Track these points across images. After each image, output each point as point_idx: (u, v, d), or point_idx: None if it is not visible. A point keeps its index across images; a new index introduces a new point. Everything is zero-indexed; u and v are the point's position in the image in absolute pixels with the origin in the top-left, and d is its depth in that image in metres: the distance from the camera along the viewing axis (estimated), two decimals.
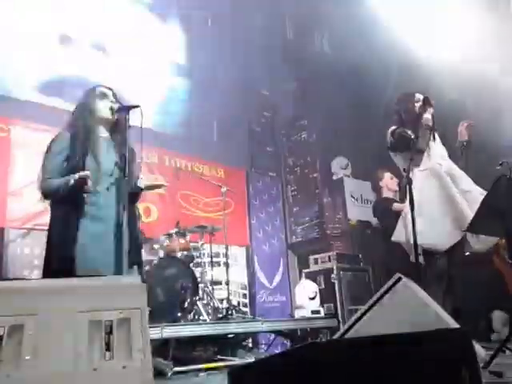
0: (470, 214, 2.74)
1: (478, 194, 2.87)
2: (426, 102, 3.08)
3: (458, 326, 2.01)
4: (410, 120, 3.10)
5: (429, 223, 2.79)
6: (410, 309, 1.97)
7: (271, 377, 1.50)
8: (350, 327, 2.05)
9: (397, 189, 4.54)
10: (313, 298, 5.30)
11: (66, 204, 2.30)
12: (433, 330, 1.48)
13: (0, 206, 4.52)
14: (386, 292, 2.04)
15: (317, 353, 1.33)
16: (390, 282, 2.04)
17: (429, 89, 4.73)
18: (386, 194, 4.57)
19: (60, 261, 2.23)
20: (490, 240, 2.98)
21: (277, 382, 1.45)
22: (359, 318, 2.04)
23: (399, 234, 3.03)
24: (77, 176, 2.23)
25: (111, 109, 2.46)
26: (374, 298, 2.04)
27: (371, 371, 1.29)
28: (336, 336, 2.27)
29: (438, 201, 2.86)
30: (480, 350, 2.04)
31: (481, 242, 2.95)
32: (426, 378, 1.33)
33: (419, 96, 3.18)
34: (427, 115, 3.05)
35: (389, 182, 4.56)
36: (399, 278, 2.04)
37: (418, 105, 3.13)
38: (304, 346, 1.44)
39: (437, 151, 3.08)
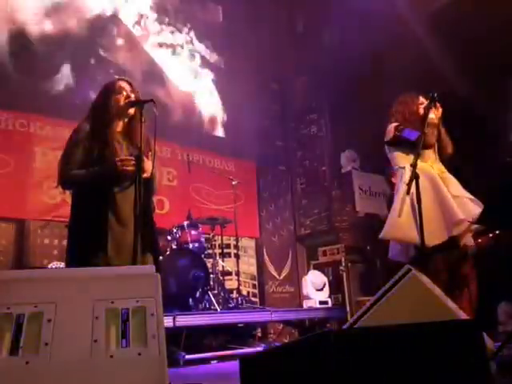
0: (459, 215, 2.78)
1: (466, 199, 2.91)
2: (432, 102, 3.02)
3: (467, 317, 2.03)
4: (414, 121, 3.08)
5: (416, 222, 2.79)
6: (419, 300, 1.97)
7: (283, 364, 1.52)
8: (360, 318, 2.06)
9: None
10: (321, 289, 5.32)
11: (97, 194, 2.34)
12: (443, 321, 1.49)
13: (20, 198, 4.64)
14: (396, 283, 2.05)
15: (329, 341, 1.33)
16: (400, 274, 2.04)
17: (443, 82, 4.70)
18: None
19: (95, 249, 2.27)
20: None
21: (289, 369, 1.47)
22: (368, 309, 2.05)
23: (389, 231, 3.00)
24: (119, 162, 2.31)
25: (127, 103, 2.48)
26: (384, 289, 2.05)
27: (382, 360, 1.31)
28: (345, 326, 2.29)
29: (428, 200, 2.84)
30: (489, 341, 2.05)
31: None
32: (436, 367, 1.35)
33: (423, 99, 3.16)
34: (432, 115, 3.01)
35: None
36: (409, 270, 2.05)
37: (422, 107, 3.12)
38: (316, 334, 1.45)
39: (430, 154, 3.09)
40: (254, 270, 6.51)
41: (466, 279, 2.89)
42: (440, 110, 3.10)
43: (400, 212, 2.87)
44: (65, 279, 1.53)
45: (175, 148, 5.99)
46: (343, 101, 6.16)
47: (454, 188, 2.96)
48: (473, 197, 2.93)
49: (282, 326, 5.03)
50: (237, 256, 5.43)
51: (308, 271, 6.02)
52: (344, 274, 5.45)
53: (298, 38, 7.08)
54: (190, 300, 4.30)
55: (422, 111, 3.08)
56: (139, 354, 1.41)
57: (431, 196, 2.88)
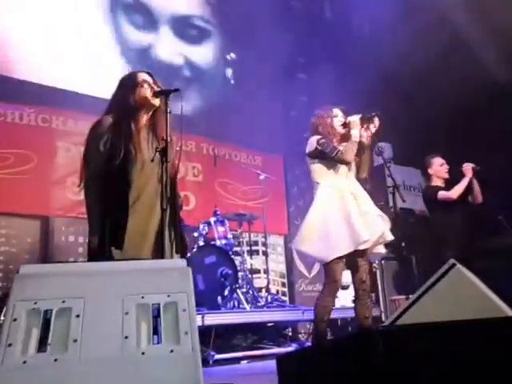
0: (363, 233, 2.81)
1: (376, 215, 2.97)
2: (366, 121, 3.09)
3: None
4: (328, 133, 3.10)
5: (323, 236, 2.89)
6: (465, 296, 1.87)
7: (322, 364, 1.44)
8: (401, 315, 1.96)
9: (447, 176, 4.35)
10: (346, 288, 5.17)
11: (114, 190, 2.26)
12: (494, 318, 1.42)
13: (44, 195, 4.60)
14: (439, 279, 1.95)
15: (372, 340, 1.25)
16: (444, 269, 1.94)
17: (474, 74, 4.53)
18: (435, 181, 4.36)
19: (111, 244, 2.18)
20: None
21: (328, 369, 1.40)
22: (410, 306, 1.96)
23: (298, 242, 3.04)
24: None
25: (151, 93, 2.41)
26: (426, 285, 1.95)
27: (431, 357, 1.21)
28: (385, 324, 2.19)
29: (336, 216, 2.90)
30: None
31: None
32: (486, 366, 1.24)
33: (337, 111, 3.19)
34: (355, 131, 3.03)
35: (438, 168, 4.36)
36: (453, 265, 1.95)
37: (336, 120, 3.15)
38: (357, 333, 1.38)
39: (344, 169, 3.08)
40: (283, 267, 6.38)
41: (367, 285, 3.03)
42: (372, 130, 3.12)
43: (310, 225, 2.96)
44: (93, 273, 1.49)
45: (200, 142, 5.89)
46: (374, 91, 5.99)
47: (365, 205, 2.98)
48: (382, 213, 3.03)
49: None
50: (265, 253, 5.33)
51: None
52: (377, 272, 5.30)
53: (327, 27, 6.91)
54: (219, 298, 4.24)
55: (336, 124, 3.14)
56: (172, 351, 1.36)
57: (339, 213, 2.92)
